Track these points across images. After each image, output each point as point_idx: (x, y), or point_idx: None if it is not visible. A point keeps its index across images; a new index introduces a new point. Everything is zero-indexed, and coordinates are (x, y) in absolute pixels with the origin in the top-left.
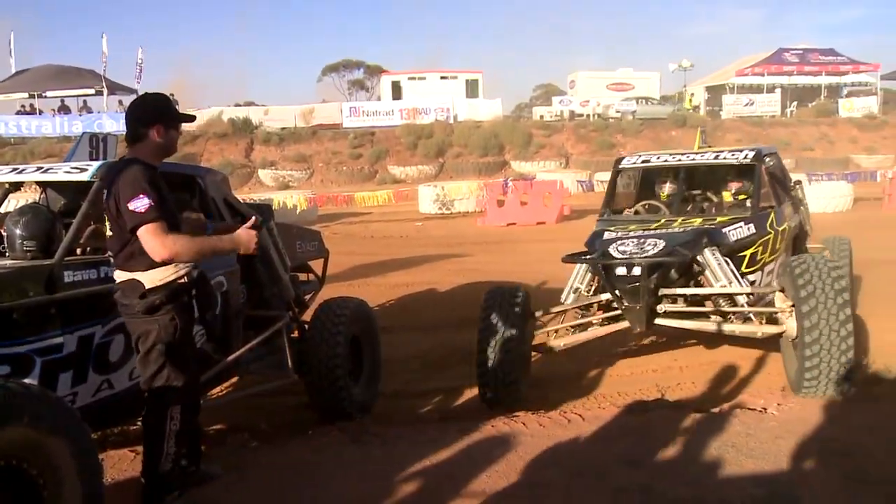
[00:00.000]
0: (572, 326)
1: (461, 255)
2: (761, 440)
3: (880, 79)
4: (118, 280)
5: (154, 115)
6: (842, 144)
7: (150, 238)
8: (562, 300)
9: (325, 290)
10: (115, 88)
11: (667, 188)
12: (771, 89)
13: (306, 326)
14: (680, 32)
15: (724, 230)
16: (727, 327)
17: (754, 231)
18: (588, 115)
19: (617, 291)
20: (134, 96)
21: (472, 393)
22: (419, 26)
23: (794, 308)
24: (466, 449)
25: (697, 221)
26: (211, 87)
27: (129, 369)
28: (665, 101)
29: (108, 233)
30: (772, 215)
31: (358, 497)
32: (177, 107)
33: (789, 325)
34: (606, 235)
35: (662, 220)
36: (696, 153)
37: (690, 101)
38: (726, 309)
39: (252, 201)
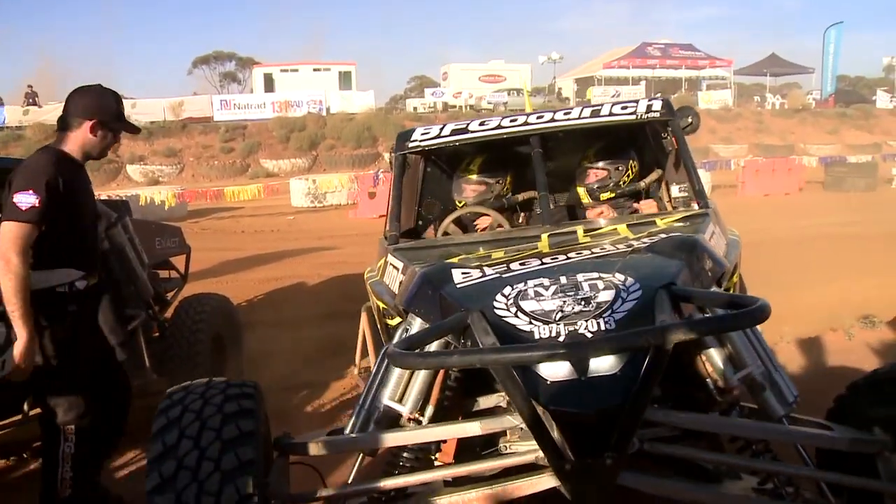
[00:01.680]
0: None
1: (332, 248)
2: None
3: (734, 73)
4: None
5: (93, 109)
6: (702, 135)
7: (5, 241)
8: (351, 425)
9: (191, 287)
10: None
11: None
12: (636, 81)
13: (167, 325)
14: (550, 26)
15: (704, 237)
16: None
17: (725, 240)
18: (460, 107)
19: (559, 429)
20: None
21: (339, 386)
22: (293, 18)
23: None
24: None
25: (622, 228)
26: (74, 78)
27: None
28: (536, 93)
29: None
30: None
31: None
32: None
33: None
34: (465, 277)
35: (545, 238)
36: (551, 112)
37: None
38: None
39: (108, 198)
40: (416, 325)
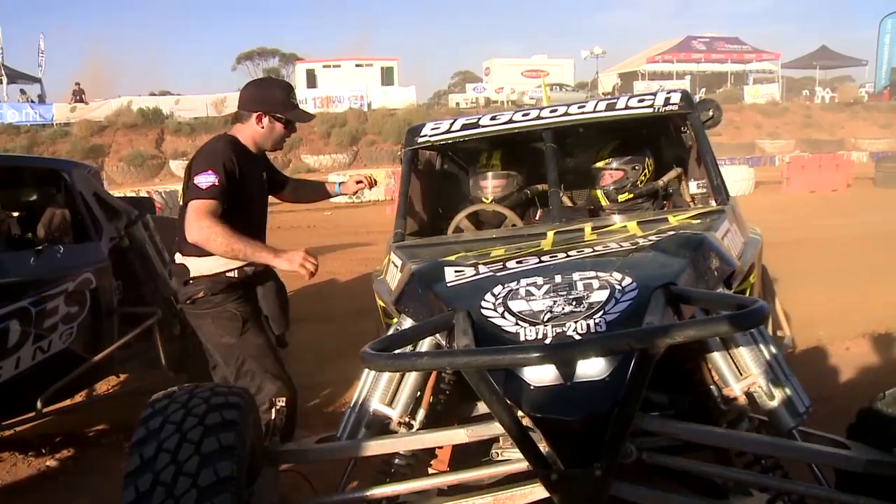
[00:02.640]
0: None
1: (367, 245)
2: None
3: (781, 67)
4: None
5: (258, 101)
6: (748, 130)
7: (192, 215)
8: (342, 430)
9: None
10: (15, 77)
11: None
12: (681, 76)
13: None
14: (593, 20)
15: (716, 235)
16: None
17: (743, 239)
18: (503, 102)
19: (545, 437)
20: (38, 85)
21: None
22: (337, 14)
23: None
24: None
25: (632, 225)
26: (123, 76)
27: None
28: (579, 88)
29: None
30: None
31: None
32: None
33: None
34: (457, 275)
35: (551, 235)
36: (566, 105)
37: (615, 88)
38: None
39: (131, 195)
40: (407, 324)
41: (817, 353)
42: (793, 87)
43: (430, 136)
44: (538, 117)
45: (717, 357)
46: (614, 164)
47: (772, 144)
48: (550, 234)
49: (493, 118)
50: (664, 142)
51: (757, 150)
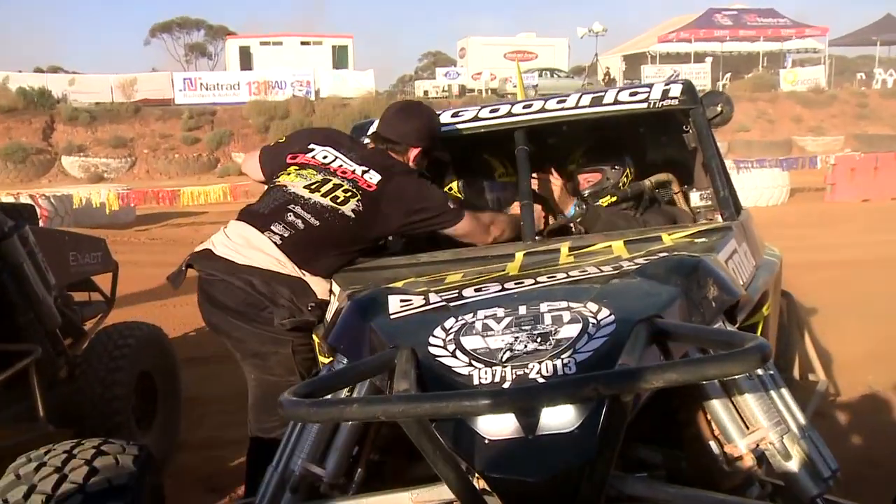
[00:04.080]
0: None
1: None
2: None
3: (828, 45)
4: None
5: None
6: (783, 124)
7: (478, 227)
8: (261, 494)
9: (125, 313)
10: None
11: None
12: (700, 58)
13: (78, 362)
14: None
15: (718, 258)
16: None
17: (754, 262)
18: (481, 91)
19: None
20: None
21: None
22: None
23: None
24: None
25: (617, 245)
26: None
27: None
28: (575, 74)
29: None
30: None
31: None
32: None
33: None
34: (403, 305)
35: (519, 257)
36: (543, 99)
37: (608, 74)
38: None
39: (7, 200)
40: (342, 365)
41: (865, 403)
42: (844, 69)
43: None
44: (509, 114)
45: (718, 406)
46: (589, 166)
47: (814, 142)
48: (519, 255)
49: (455, 115)
50: (656, 142)
51: (795, 148)
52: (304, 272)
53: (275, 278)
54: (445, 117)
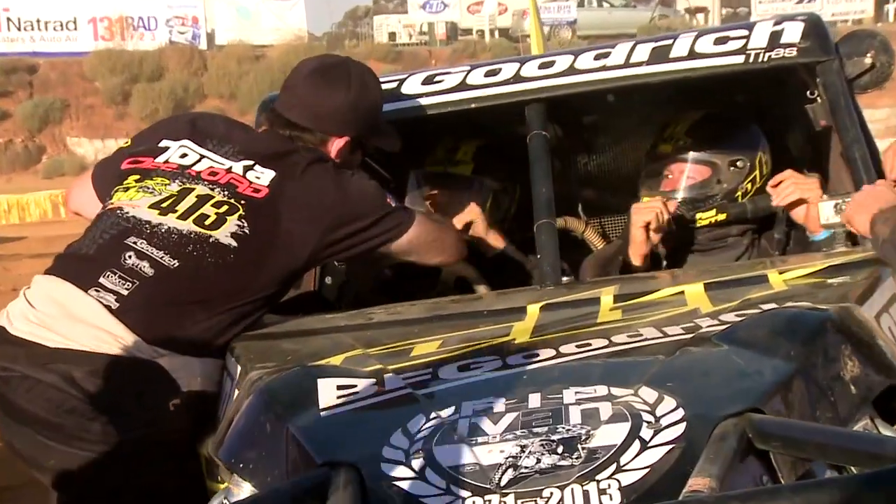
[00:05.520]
0: None
1: None
2: None
3: None
4: None
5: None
6: None
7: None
8: None
9: None
10: None
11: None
12: None
13: None
14: None
15: (862, 312)
16: None
17: None
18: (482, 33)
19: None
20: None
21: None
22: None
23: None
24: None
25: (693, 292)
26: None
27: None
28: (637, 2)
29: None
30: None
31: None
32: None
33: None
34: (341, 394)
35: (534, 312)
36: (570, 53)
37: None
38: None
39: None
40: (244, 492)
41: None
42: None
43: None
44: (517, 77)
45: None
46: (694, 154)
47: None
48: (533, 309)
49: (430, 80)
50: (770, 120)
51: None
52: (159, 350)
53: (111, 367)
54: (412, 85)
